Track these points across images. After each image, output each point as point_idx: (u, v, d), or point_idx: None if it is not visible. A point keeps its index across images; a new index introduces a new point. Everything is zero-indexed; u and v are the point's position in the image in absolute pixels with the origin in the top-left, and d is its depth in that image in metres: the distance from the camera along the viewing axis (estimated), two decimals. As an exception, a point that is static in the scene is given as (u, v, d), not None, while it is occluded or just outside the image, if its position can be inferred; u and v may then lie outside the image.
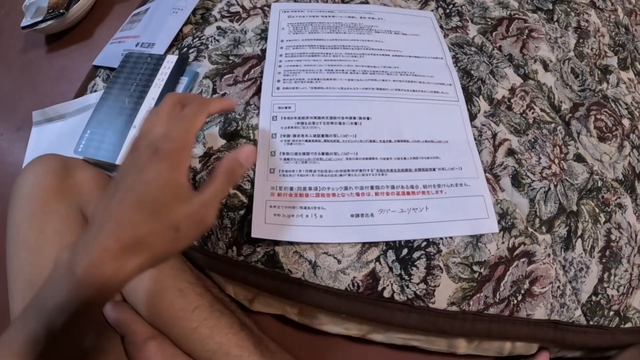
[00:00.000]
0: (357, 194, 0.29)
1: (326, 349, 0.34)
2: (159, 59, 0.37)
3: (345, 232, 0.28)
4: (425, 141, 0.32)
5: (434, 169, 0.31)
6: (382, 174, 0.30)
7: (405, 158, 0.31)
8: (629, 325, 0.33)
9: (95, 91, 0.42)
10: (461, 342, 0.32)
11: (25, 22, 0.52)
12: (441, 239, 0.29)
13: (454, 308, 0.29)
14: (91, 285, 0.18)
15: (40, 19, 0.51)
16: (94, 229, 0.20)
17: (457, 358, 0.34)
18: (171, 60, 0.37)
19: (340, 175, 0.30)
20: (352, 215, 0.29)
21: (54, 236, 0.29)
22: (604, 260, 0.32)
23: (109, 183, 0.23)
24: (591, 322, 0.32)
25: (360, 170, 0.30)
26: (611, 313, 0.32)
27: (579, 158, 0.36)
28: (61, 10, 0.51)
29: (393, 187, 0.30)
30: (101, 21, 0.55)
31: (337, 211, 0.29)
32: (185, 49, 0.38)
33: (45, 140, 0.43)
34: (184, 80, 0.36)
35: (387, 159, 0.31)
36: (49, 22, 0.51)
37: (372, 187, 0.29)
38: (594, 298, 0.32)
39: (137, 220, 0.19)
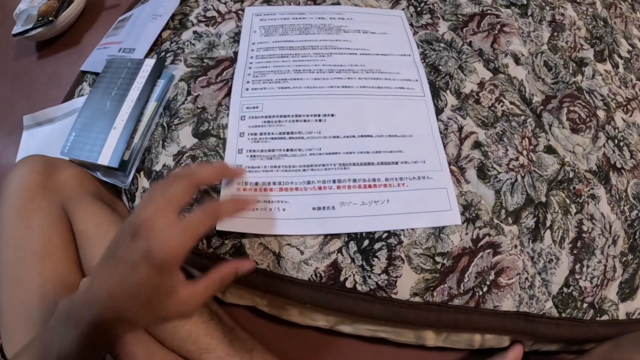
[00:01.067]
0: (319, 188, 0.30)
1: (298, 340, 0.34)
2: (138, 63, 0.39)
3: (307, 224, 0.29)
4: (389, 135, 0.33)
5: (397, 163, 0.32)
6: (345, 168, 0.31)
7: (368, 152, 0.32)
8: (605, 317, 0.33)
9: (82, 95, 0.44)
10: (429, 333, 0.32)
11: (16, 29, 0.54)
12: (402, 230, 0.29)
13: (417, 299, 0.29)
14: (94, 341, 0.22)
15: (30, 26, 0.53)
16: (93, 296, 0.22)
17: (427, 351, 0.34)
18: (149, 64, 0.38)
19: (304, 170, 0.31)
20: (314, 208, 0.29)
21: (38, 230, 0.30)
22: (575, 252, 0.32)
23: (109, 245, 0.25)
24: (564, 315, 0.32)
25: (323, 165, 0.31)
26: (585, 305, 0.32)
27: (550, 150, 0.36)
28: (50, 18, 0.53)
29: (355, 180, 0.30)
30: (89, 27, 0.58)
31: (299, 204, 0.29)
32: (163, 53, 0.40)
33: (35, 143, 0.45)
34: (160, 83, 0.37)
35: (350, 153, 0.31)
36: (39, 30, 0.53)
37: (334, 181, 0.30)
38: (565, 290, 0.32)
39: (129, 306, 0.22)
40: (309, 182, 0.30)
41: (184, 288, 0.22)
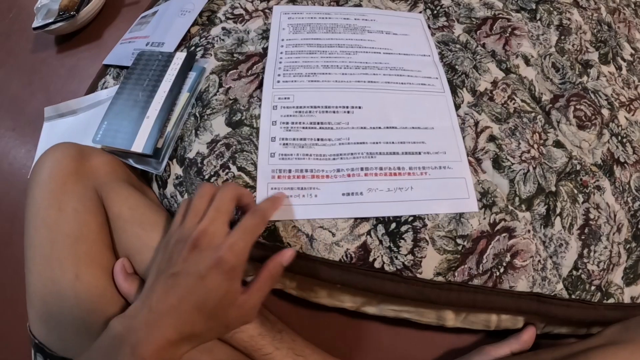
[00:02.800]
0: (348, 175, 0.32)
1: (323, 323, 0.36)
2: (169, 56, 0.40)
3: (337, 209, 0.31)
4: (412, 127, 0.35)
5: (420, 153, 0.34)
6: (372, 157, 0.33)
7: (393, 142, 0.34)
8: (611, 300, 0.35)
9: (106, 88, 0.45)
10: (449, 314, 0.34)
11: (37, 23, 0.55)
12: (426, 214, 0.31)
13: (440, 278, 0.31)
14: None
15: (51, 20, 0.54)
16: (153, 313, 0.22)
17: (445, 333, 0.36)
18: (180, 57, 0.40)
19: (334, 158, 0.33)
20: (343, 194, 0.31)
21: (72, 214, 0.30)
22: (583, 237, 0.35)
23: (158, 259, 0.25)
24: (573, 296, 0.34)
25: (352, 154, 0.33)
26: (592, 288, 0.34)
27: (558, 144, 0.38)
28: (72, 13, 0.54)
29: (381, 168, 0.32)
30: (109, 23, 0.59)
31: (330, 191, 0.31)
32: (193, 48, 0.42)
33: (57, 134, 0.45)
34: (192, 75, 0.39)
35: (376, 143, 0.34)
36: (60, 24, 0.54)
37: (362, 169, 0.32)
38: (574, 272, 0.34)
39: (196, 319, 0.22)
40: (338, 170, 0.32)
41: (241, 294, 0.23)
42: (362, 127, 0.34)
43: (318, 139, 0.33)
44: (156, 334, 0.21)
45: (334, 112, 0.35)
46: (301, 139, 0.33)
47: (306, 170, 0.32)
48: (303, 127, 0.34)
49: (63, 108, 0.47)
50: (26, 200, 0.31)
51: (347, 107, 0.35)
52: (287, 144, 0.33)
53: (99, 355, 0.22)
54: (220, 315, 0.23)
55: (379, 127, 0.34)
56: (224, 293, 0.22)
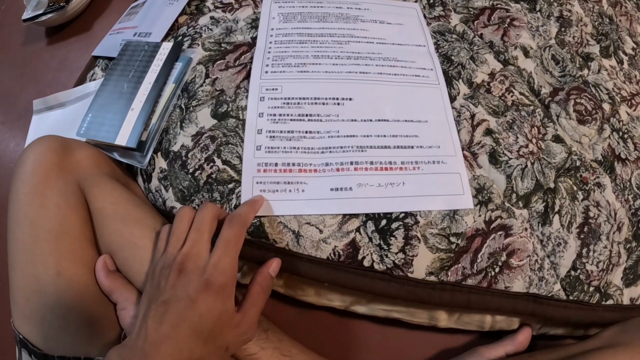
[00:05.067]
0: (337, 170, 0.31)
1: (311, 323, 0.35)
2: (155, 47, 0.39)
3: (324, 205, 0.30)
4: (405, 120, 0.33)
5: (413, 147, 0.32)
6: (362, 151, 0.31)
7: (384, 136, 0.32)
8: (610, 302, 0.34)
9: (94, 79, 0.44)
10: (441, 314, 0.33)
11: (27, 15, 0.54)
12: (419, 211, 0.30)
13: (433, 278, 0.30)
14: None
15: (41, 12, 0.53)
16: (147, 344, 0.21)
17: (438, 333, 0.35)
18: (166, 47, 0.38)
19: (322, 152, 0.31)
20: (331, 189, 0.30)
21: (54, 209, 0.30)
22: (582, 236, 0.33)
23: (149, 287, 0.24)
24: (571, 297, 0.33)
25: (341, 147, 0.31)
26: (591, 289, 0.33)
27: (558, 139, 0.37)
28: (62, 4, 0.53)
29: (372, 162, 0.31)
30: (100, 14, 0.58)
31: (318, 185, 0.30)
32: (180, 38, 0.40)
33: (46, 127, 0.44)
34: (178, 66, 0.38)
35: (367, 136, 0.32)
36: (50, 15, 0.53)
37: (351, 163, 0.31)
38: (572, 273, 0.33)
39: (193, 346, 0.21)
40: (327, 164, 0.31)
41: (236, 313, 0.23)
42: (352, 120, 0.33)
43: (306, 132, 0.32)
44: None
45: (323, 103, 0.33)
46: (289, 132, 0.32)
47: (293, 164, 0.31)
48: (291, 119, 0.32)
49: (51, 101, 0.46)
50: (9, 195, 0.31)
51: (337, 99, 0.34)
52: (274, 136, 0.32)
53: None
54: (218, 338, 0.22)
55: (370, 120, 0.33)
56: (218, 314, 0.22)
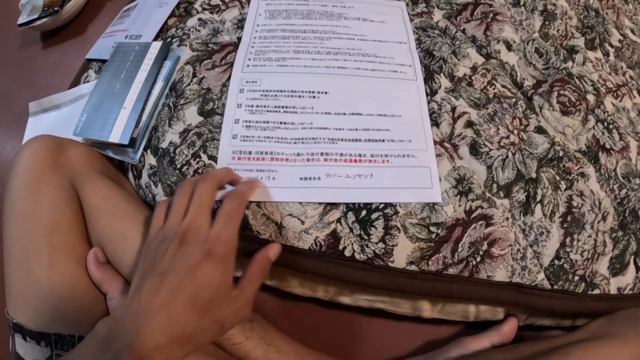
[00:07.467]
0: (308, 160, 0.32)
1: (297, 313, 0.35)
2: (145, 46, 0.40)
3: (293, 193, 0.30)
4: (379, 115, 0.34)
5: (384, 140, 0.33)
6: (333, 143, 0.32)
7: (356, 129, 0.33)
8: (596, 291, 0.34)
9: (88, 82, 0.45)
10: (425, 304, 0.33)
11: (22, 19, 0.55)
12: (393, 202, 0.31)
13: (413, 267, 0.30)
14: None
15: (36, 16, 0.54)
16: (140, 315, 0.20)
17: (423, 324, 0.35)
18: (156, 46, 0.40)
19: (295, 142, 0.32)
20: (301, 179, 0.31)
21: (47, 204, 0.31)
22: (565, 225, 0.34)
23: (144, 258, 0.24)
24: (555, 287, 0.33)
25: (313, 139, 0.32)
26: (576, 278, 0.33)
27: (540, 130, 0.37)
28: (56, 8, 0.54)
29: (342, 154, 0.32)
30: (93, 18, 0.59)
31: (288, 174, 0.31)
32: (169, 39, 0.41)
33: (42, 128, 0.46)
34: (167, 64, 0.39)
35: (339, 129, 0.33)
36: (44, 20, 0.54)
37: (322, 154, 0.32)
38: (556, 262, 0.33)
39: (188, 319, 0.21)
40: (298, 154, 0.32)
41: (237, 295, 0.23)
42: (326, 113, 0.34)
43: (281, 123, 0.33)
44: (143, 340, 0.20)
45: (299, 96, 0.34)
46: (264, 122, 0.33)
47: (266, 153, 0.32)
48: (267, 111, 0.33)
49: (46, 103, 0.47)
50: (5, 193, 0.32)
51: (313, 92, 0.34)
52: (249, 126, 0.33)
53: (82, 354, 0.21)
54: (215, 311, 0.22)
55: (344, 113, 0.34)
56: (216, 285, 0.22)
